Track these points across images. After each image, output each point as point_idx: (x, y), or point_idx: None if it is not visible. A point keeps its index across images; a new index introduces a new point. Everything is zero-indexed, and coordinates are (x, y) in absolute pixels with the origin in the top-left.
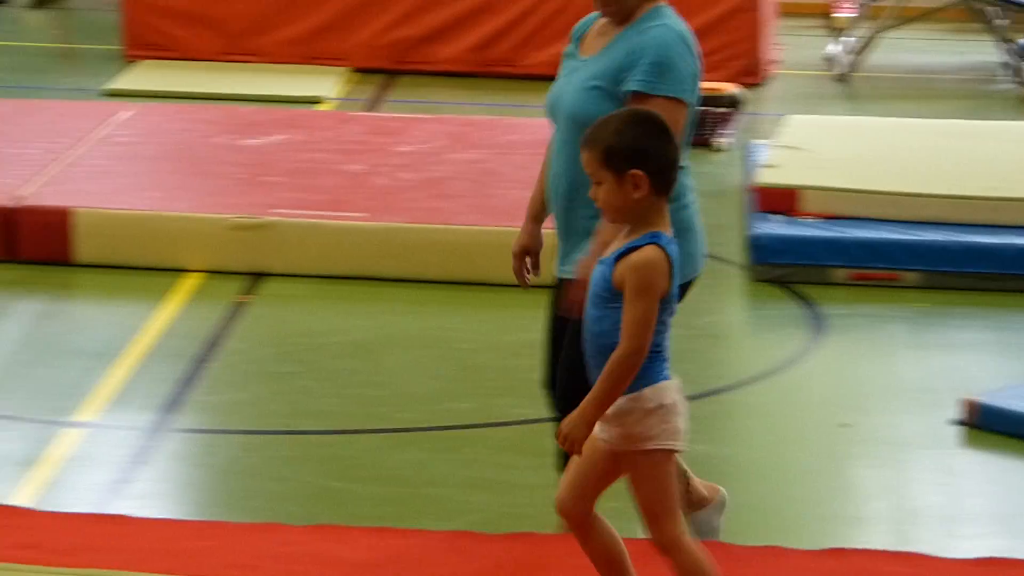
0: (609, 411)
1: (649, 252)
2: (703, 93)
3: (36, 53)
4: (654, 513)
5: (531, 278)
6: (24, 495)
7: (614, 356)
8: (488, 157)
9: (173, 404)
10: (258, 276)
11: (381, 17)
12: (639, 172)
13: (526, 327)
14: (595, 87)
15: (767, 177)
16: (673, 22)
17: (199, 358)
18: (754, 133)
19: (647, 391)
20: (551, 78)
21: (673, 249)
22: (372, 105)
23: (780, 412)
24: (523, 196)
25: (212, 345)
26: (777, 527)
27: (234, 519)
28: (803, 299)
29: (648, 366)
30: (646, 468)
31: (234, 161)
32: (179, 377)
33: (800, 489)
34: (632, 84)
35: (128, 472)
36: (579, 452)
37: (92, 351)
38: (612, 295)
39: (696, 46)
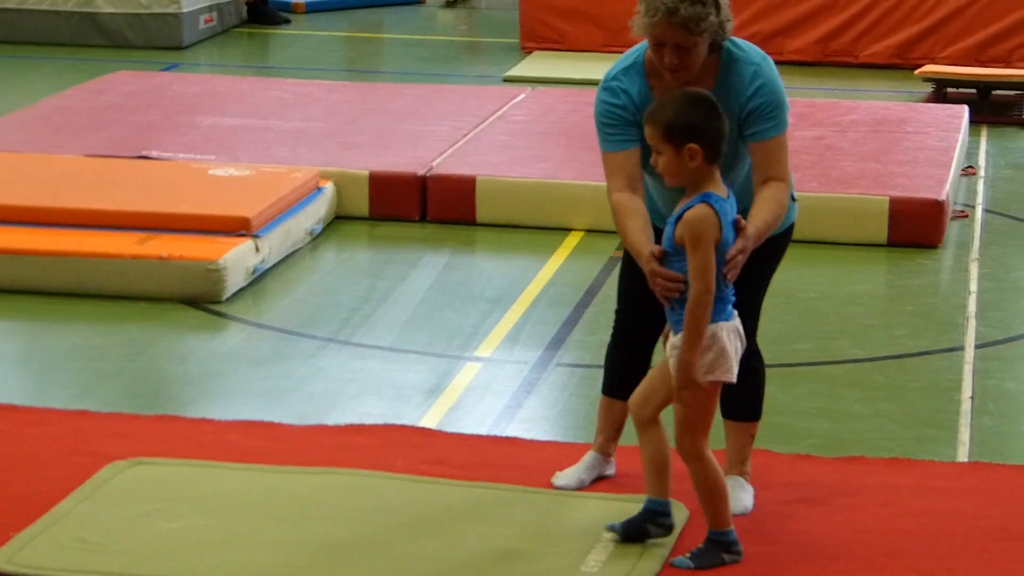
0: (671, 340)
1: (700, 209)
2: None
3: (447, 45)
4: (689, 426)
5: None
6: (430, 418)
7: (689, 299)
8: (829, 134)
9: (557, 342)
10: None
11: (739, 14)
12: (694, 145)
13: (860, 280)
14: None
15: None
16: (757, 54)
17: (580, 304)
18: None
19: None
20: (887, 67)
21: (722, 207)
22: None
23: None
24: (858, 168)
25: (591, 293)
26: None
27: None
28: None
29: None
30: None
31: None
32: (562, 320)
33: None
34: (762, 134)
35: (518, 400)
36: (695, 390)
37: (489, 297)
38: (676, 250)
39: None
